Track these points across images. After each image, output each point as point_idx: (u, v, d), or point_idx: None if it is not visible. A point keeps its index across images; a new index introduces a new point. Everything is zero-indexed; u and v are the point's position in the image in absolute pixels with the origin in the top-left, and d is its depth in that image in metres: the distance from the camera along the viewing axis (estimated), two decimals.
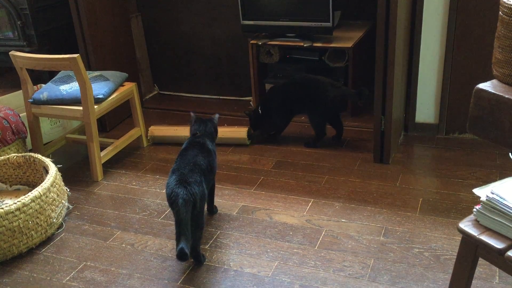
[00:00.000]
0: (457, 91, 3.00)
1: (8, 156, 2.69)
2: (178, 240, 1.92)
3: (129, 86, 3.08)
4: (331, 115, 3.09)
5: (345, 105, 3.15)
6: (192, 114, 2.43)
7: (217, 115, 2.47)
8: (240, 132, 3.19)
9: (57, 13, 3.55)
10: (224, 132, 3.15)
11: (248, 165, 2.96)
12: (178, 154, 2.23)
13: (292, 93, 3.08)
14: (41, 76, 3.56)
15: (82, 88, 2.71)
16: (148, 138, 3.30)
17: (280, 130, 3.25)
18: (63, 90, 2.86)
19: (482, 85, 1.50)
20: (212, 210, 2.49)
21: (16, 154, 2.69)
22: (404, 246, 2.17)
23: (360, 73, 3.41)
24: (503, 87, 1.48)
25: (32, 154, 2.67)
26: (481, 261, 1.52)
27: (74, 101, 2.81)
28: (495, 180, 2.28)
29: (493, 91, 1.46)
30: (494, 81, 1.53)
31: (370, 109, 2.91)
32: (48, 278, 2.15)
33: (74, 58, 2.63)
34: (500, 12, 1.47)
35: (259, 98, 3.60)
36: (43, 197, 2.31)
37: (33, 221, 2.27)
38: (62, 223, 2.51)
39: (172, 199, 1.98)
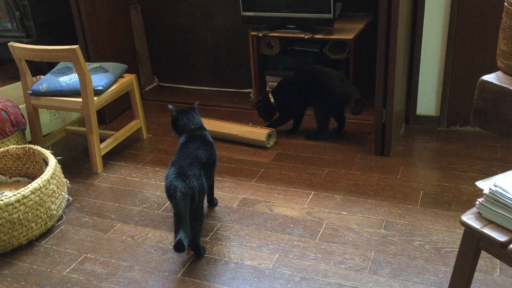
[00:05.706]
0: (459, 84, 2.99)
1: (7, 148, 2.68)
2: (176, 232, 1.92)
3: (129, 77, 3.06)
4: (336, 110, 3.07)
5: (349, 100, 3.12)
6: (170, 106, 2.32)
7: (196, 103, 2.39)
8: (259, 134, 3.03)
9: (56, 4, 3.52)
10: (244, 132, 3.09)
11: (249, 158, 2.95)
12: (178, 148, 2.22)
13: (302, 83, 3.04)
14: (40, 67, 3.54)
15: (82, 80, 2.69)
16: None
17: (296, 123, 3.20)
18: (62, 81, 2.85)
19: (487, 77, 1.49)
20: (212, 202, 2.48)
21: (15, 146, 2.68)
22: (405, 238, 2.17)
23: (361, 65, 3.39)
24: (508, 79, 1.47)
25: (32, 146, 2.66)
26: (482, 253, 1.52)
27: (74, 93, 2.80)
28: (496, 173, 2.28)
29: (497, 83, 1.45)
30: (499, 73, 1.52)
31: (371, 102, 2.90)
32: (48, 270, 2.15)
33: (74, 49, 2.61)
34: (505, 3, 1.46)
35: (259, 90, 3.58)
36: (43, 189, 2.30)
37: (33, 213, 2.26)
38: (62, 215, 2.50)
39: (170, 192, 1.98)
